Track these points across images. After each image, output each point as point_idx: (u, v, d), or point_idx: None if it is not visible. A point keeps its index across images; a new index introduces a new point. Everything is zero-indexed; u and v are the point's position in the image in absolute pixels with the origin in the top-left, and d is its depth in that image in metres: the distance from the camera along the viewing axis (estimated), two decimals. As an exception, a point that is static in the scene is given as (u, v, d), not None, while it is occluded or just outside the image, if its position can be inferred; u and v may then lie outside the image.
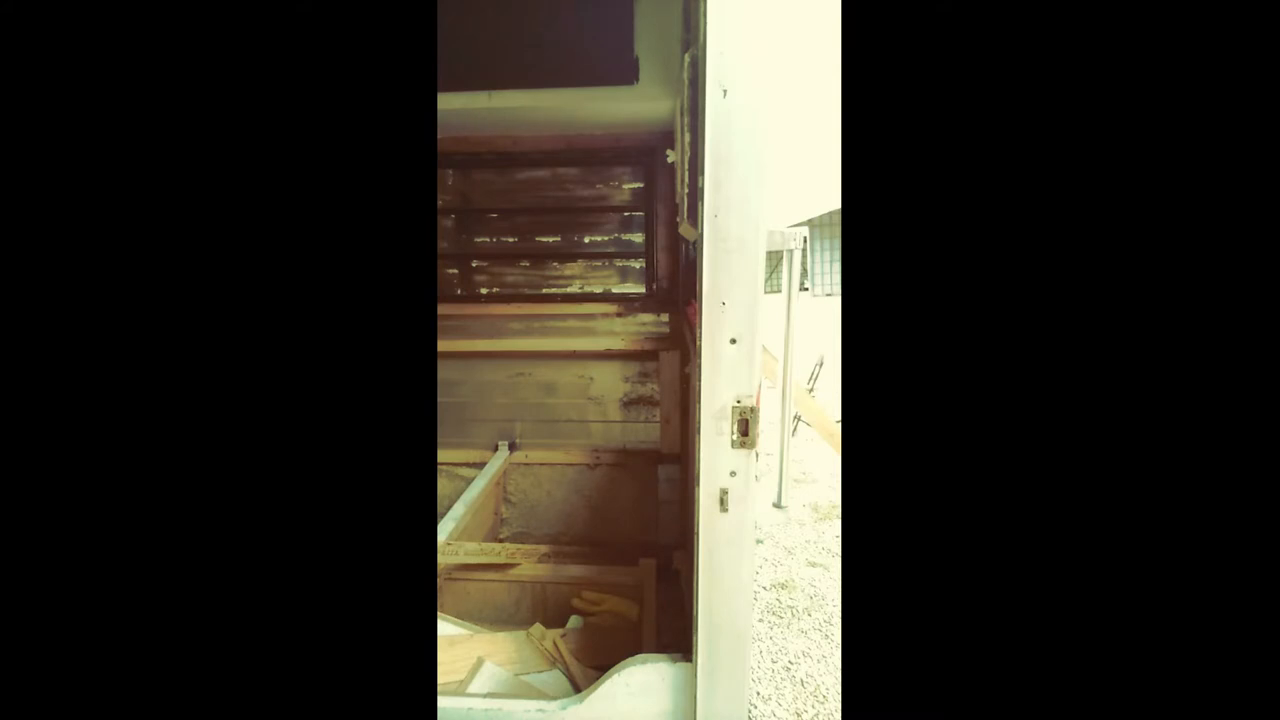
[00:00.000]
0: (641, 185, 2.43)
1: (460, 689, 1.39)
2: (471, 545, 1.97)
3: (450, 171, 2.48)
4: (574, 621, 1.76)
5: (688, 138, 1.21)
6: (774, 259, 11.40)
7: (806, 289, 19.08)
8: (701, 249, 1.00)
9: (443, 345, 2.44)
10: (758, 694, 1.94)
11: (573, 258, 2.51)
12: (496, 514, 2.55)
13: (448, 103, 1.85)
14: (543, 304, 2.52)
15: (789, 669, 2.05)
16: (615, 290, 2.52)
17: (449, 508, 2.12)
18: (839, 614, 2.35)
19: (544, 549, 1.97)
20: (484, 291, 2.56)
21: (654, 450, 2.54)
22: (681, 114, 1.39)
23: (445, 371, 2.55)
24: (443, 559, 1.85)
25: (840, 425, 3.33)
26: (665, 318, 2.48)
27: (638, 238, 2.47)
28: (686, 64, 1.19)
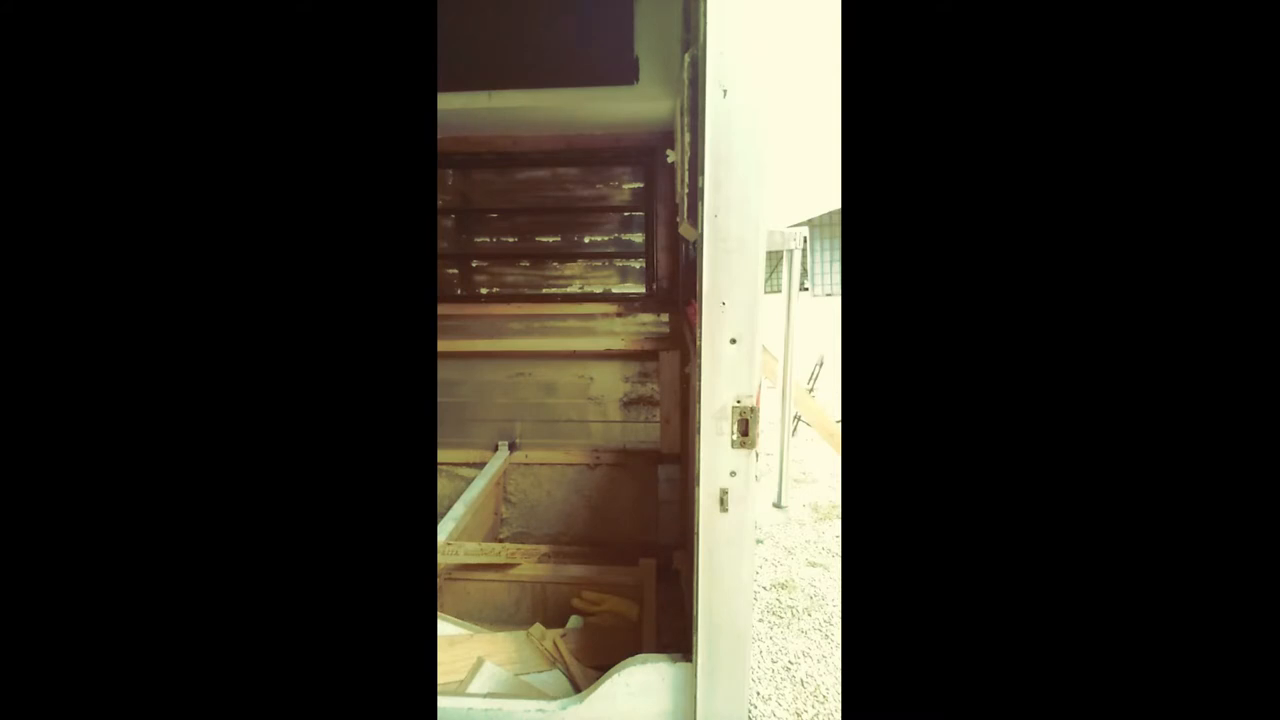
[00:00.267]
0: (641, 185, 2.43)
1: (460, 689, 1.39)
2: (471, 545, 1.97)
3: (450, 171, 2.48)
4: (574, 621, 1.76)
5: (688, 138, 1.21)
6: (774, 259, 11.40)
7: (806, 289, 19.08)
8: (701, 249, 1.00)
9: (443, 345, 2.44)
10: (758, 694, 1.94)
11: (573, 258, 2.51)
12: (496, 514, 2.55)
13: (448, 103, 1.85)
14: (543, 304, 2.52)
15: (789, 669, 2.05)
16: (615, 290, 2.52)
17: (449, 508, 2.12)
18: (839, 614, 2.35)
19: (544, 549, 1.97)
20: (484, 291, 2.56)
21: (654, 450, 2.54)
22: (681, 114, 1.39)
23: (445, 371, 2.55)
24: (443, 559, 1.85)
25: (840, 425, 3.33)
26: (665, 318, 2.48)
27: (638, 238, 2.47)
28: (686, 64, 1.19)
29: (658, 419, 2.53)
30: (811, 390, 5.39)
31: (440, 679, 1.41)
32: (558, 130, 2.33)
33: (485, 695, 1.35)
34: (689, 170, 1.23)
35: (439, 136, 2.27)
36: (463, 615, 1.74)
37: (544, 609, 1.90)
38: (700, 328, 1.03)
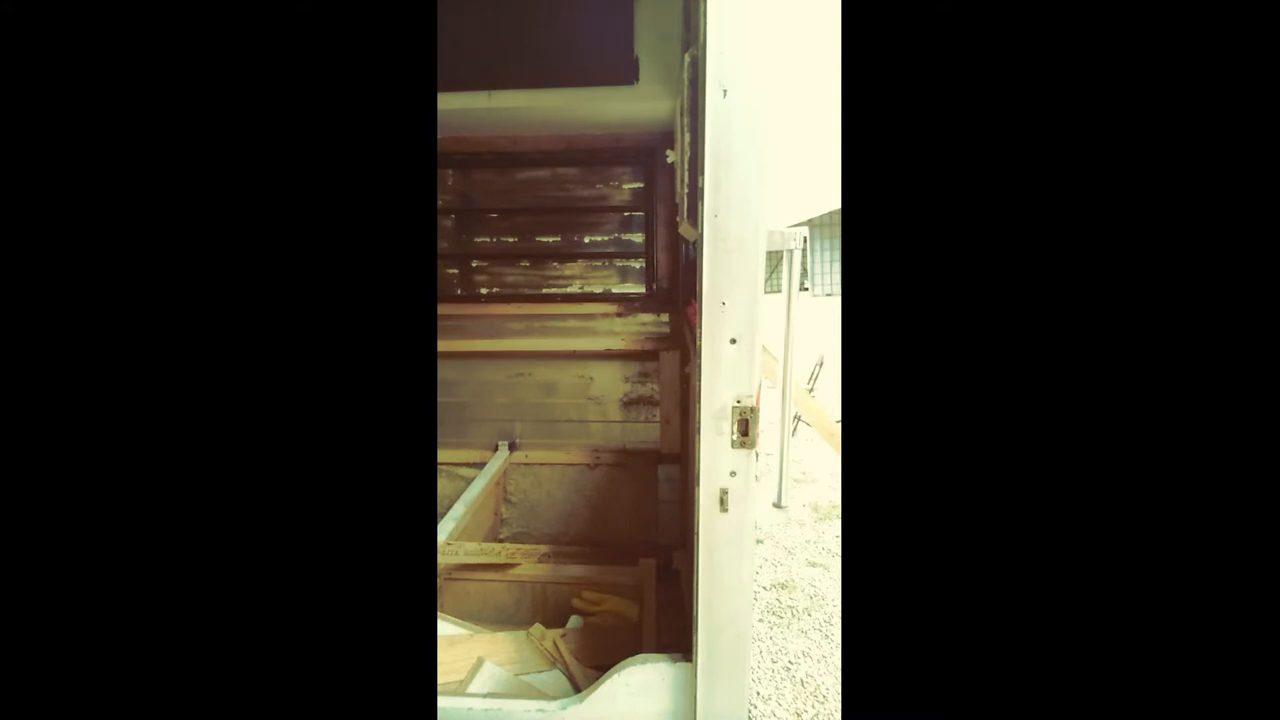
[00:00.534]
0: (641, 185, 2.43)
1: (460, 689, 1.39)
2: (471, 545, 1.97)
3: (450, 171, 2.48)
4: (574, 621, 1.76)
5: (688, 138, 1.21)
6: (774, 259, 11.40)
7: (806, 289, 19.08)
8: (701, 249, 1.00)
9: (443, 345, 2.44)
10: (758, 694, 1.94)
11: (573, 258, 2.51)
12: (496, 514, 2.55)
13: (448, 103, 1.85)
14: (543, 304, 2.52)
15: (789, 669, 2.05)
16: (615, 290, 2.52)
17: (449, 508, 2.12)
18: (839, 614, 2.35)
19: (544, 549, 1.97)
20: (484, 291, 2.56)
21: (654, 450, 2.54)
22: (681, 114, 1.39)
23: (445, 371, 2.55)
24: (443, 559, 1.85)
25: (840, 425, 3.33)
26: (665, 318, 2.48)
27: (638, 238, 2.47)
28: (686, 64, 1.19)
29: (658, 419, 2.53)
30: (811, 390, 5.39)
31: (440, 679, 1.41)
32: (558, 130, 2.33)
33: (485, 695, 1.35)
34: (689, 170, 1.23)
35: (439, 136, 2.27)
36: (463, 615, 1.74)
37: (544, 609, 1.90)
38: (700, 328, 1.03)
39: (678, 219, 1.78)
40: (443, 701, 1.28)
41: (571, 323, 2.52)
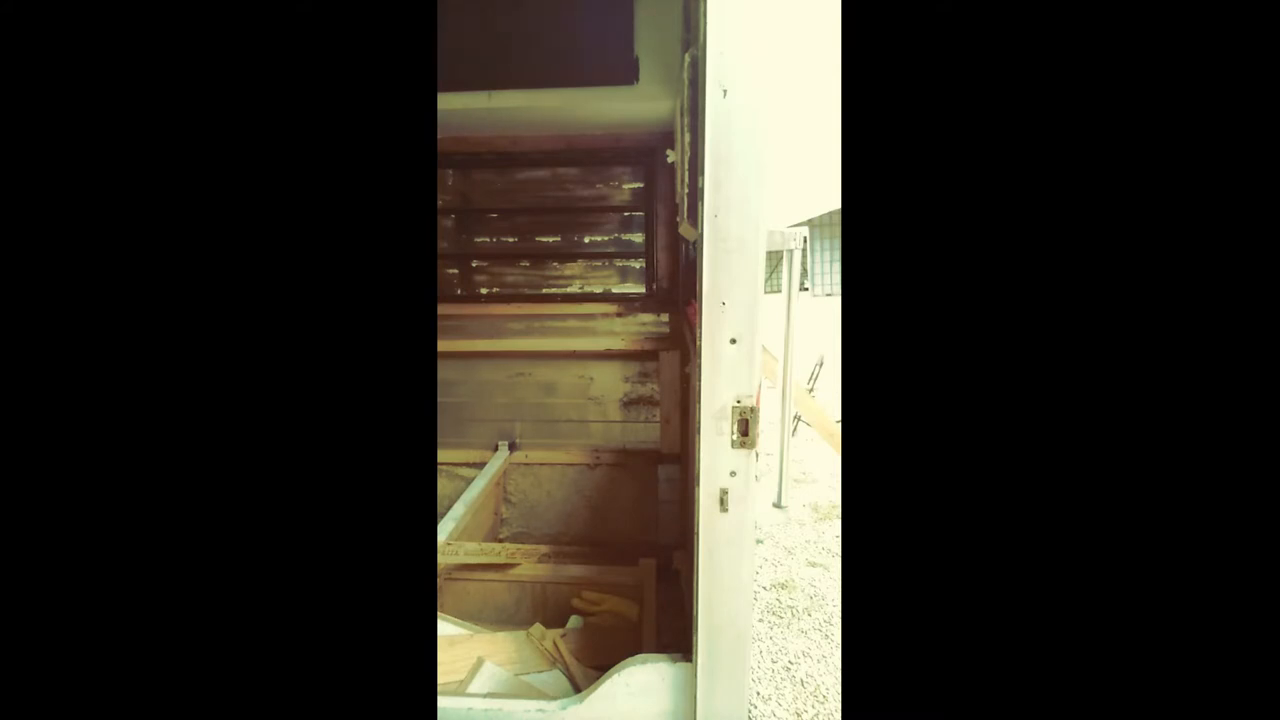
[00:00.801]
0: (641, 185, 2.43)
1: (460, 689, 1.39)
2: (471, 545, 1.97)
3: (450, 171, 2.48)
4: (574, 621, 1.76)
5: (688, 138, 1.21)
6: (774, 259, 11.40)
7: (806, 289, 19.08)
8: (701, 249, 1.00)
9: (443, 345, 2.44)
10: (758, 694, 1.94)
11: (573, 258, 2.51)
12: (496, 514, 2.55)
13: (448, 103, 1.85)
14: (543, 304, 2.52)
15: (789, 669, 2.05)
16: (615, 290, 2.52)
17: (449, 508, 2.12)
18: (839, 614, 2.35)
19: (544, 549, 1.97)
20: (484, 291, 2.56)
21: (654, 450, 2.54)
22: (681, 114, 1.39)
23: (445, 371, 2.55)
24: (443, 559, 1.85)
25: (840, 425, 3.33)
26: (665, 318, 2.48)
27: (638, 238, 2.47)
28: (686, 64, 1.19)
29: (658, 419, 2.53)
30: (811, 390, 5.39)
31: (440, 679, 1.41)
32: (558, 130, 2.33)
33: (485, 695, 1.35)
34: (689, 170, 1.23)
35: (439, 136, 2.27)
36: (463, 615, 1.74)
37: (544, 609, 1.90)
38: (700, 328, 1.03)
39: (678, 219, 1.78)
40: (443, 701, 1.28)
41: (571, 323, 2.52)
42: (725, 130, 0.95)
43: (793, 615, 2.36)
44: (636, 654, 1.28)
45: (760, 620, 2.33)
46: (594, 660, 1.48)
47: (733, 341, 1.02)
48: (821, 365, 5.78)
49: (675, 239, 2.39)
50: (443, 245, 2.52)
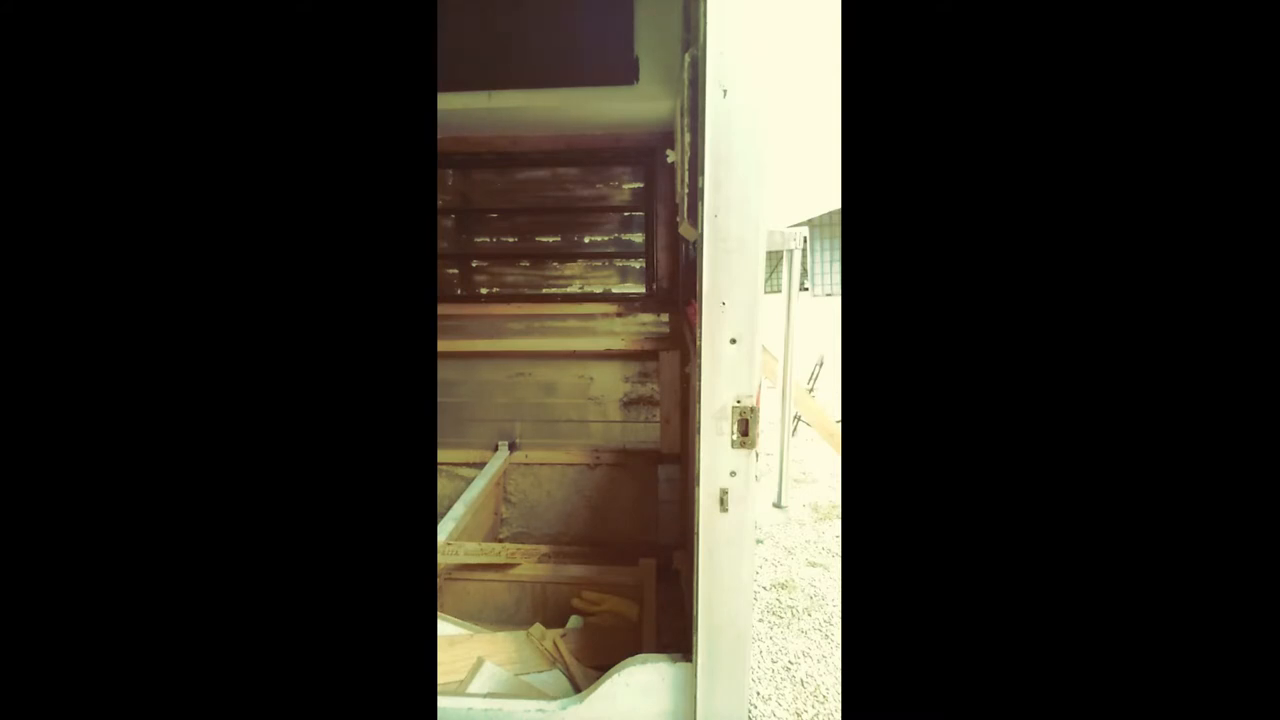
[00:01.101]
0: (641, 185, 2.43)
1: (460, 689, 1.39)
2: (471, 545, 1.97)
3: (450, 171, 2.48)
4: (574, 621, 1.76)
5: (688, 138, 1.21)
6: (774, 259, 11.40)
7: (806, 289, 19.08)
8: (701, 249, 1.00)
9: (443, 345, 2.44)
10: (758, 694, 1.94)
11: (573, 258, 2.51)
12: (496, 514, 2.55)
13: (448, 103, 1.85)
14: (543, 304, 2.52)
15: (789, 669, 2.05)
16: (615, 290, 2.52)
17: (449, 508, 2.12)
18: (839, 614, 2.35)
19: (544, 549, 1.97)
20: (484, 291, 2.56)
21: (654, 450, 2.54)
22: (681, 114, 1.39)
23: (445, 371, 2.55)
24: (443, 559, 1.85)
25: (840, 425, 3.33)
26: (665, 318, 2.48)
27: (638, 238, 2.47)
28: (686, 64, 1.19)
29: (658, 419, 2.53)
30: (811, 390, 5.39)
31: (440, 679, 1.41)
32: (558, 130, 2.33)
33: (485, 695, 1.35)
34: (689, 170, 1.23)
35: (439, 136, 2.27)
36: (463, 615, 1.74)
37: (544, 609, 1.90)
38: (700, 328, 1.03)
39: (678, 219, 1.78)
40: (443, 701, 1.28)
41: (571, 323, 2.52)
42: (725, 130, 0.95)
43: (793, 615, 2.36)
44: (636, 654, 1.28)
45: (760, 620, 2.33)
46: (594, 660, 1.48)
47: (733, 341, 1.02)
48: (821, 365, 5.78)
49: (675, 239, 2.39)
50: (443, 245, 2.52)
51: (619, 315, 2.49)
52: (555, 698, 1.30)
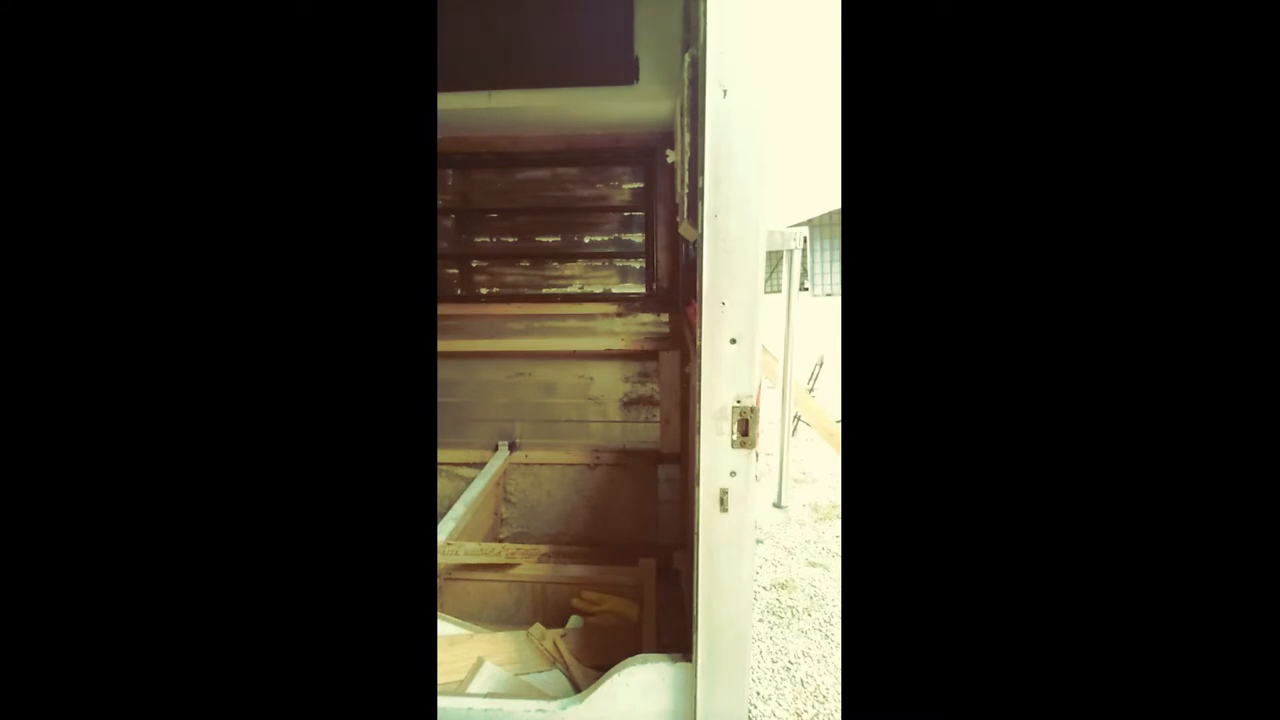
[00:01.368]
0: (641, 185, 2.43)
1: (460, 689, 1.39)
2: (471, 545, 1.97)
3: (450, 171, 2.48)
4: (574, 621, 1.76)
5: (688, 138, 1.21)
6: (774, 259, 11.40)
7: (806, 289, 19.08)
8: (701, 249, 1.00)
9: (443, 345, 2.44)
10: (758, 694, 1.94)
11: (573, 258, 2.51)
12: (496, 514, 2.55)
13: (448, 103, 1.85)
14: (543, 304, 2.52)
15: (789, 669, 2.05)
16: (615, 290, 2.52)
17: (449, 508, 2.12)
18: (839, 614, 2.35)
19: (544, 549, 1.97)
20: (484, 291, 2.56)
21: (654, 450, 2.54)
22: (681, 114, 1.39)
23: (445, 371, 2.55)
24: (443, 559, 1.85)
25: (840, 425, 3.33)
26: (665, 318, 2.48)
27: (638, 238, 2.47)
28: (686, 64, 1.19)
29: (658, 419, 2.53)
30: (811, 390, 5.39)
31: (440, 679, 1.41)
32: (558, 130, 2.33)
33: (485, 695, 1.35)
34: (689, 170, 1.23)
35: (439, 136, 2.27)
36: (463, 615, 1.74)
37: (544, 609, 1.90)
38: (700, 328, 1.03)
39: (678, 219, 1.78)
40: (443, 701, 1.28)
41: (571, 323, 2.52)
42: (725, 130, 0.95)
43: (793, 615, 2.36)
44: (636, 654, 1.28)
45: (760, 620, 2.33)
46: (594, 660, 1.48)
47: (733, 341, 1.02)
48: (821, 365, 5.78)
49: (675, 239, 2.39)
50: (443, 245, 2.52)
51: (619, 315, 2.49)
52: (555, 698, 1.30)
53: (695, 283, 1.08)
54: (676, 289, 2.42)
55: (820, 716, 1.84)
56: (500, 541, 2.46)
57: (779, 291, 4.69)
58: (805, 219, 18.79)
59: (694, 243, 1.28)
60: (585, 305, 2.51)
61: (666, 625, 1.64)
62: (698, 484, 1.08)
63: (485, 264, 2.55)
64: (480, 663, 1.45)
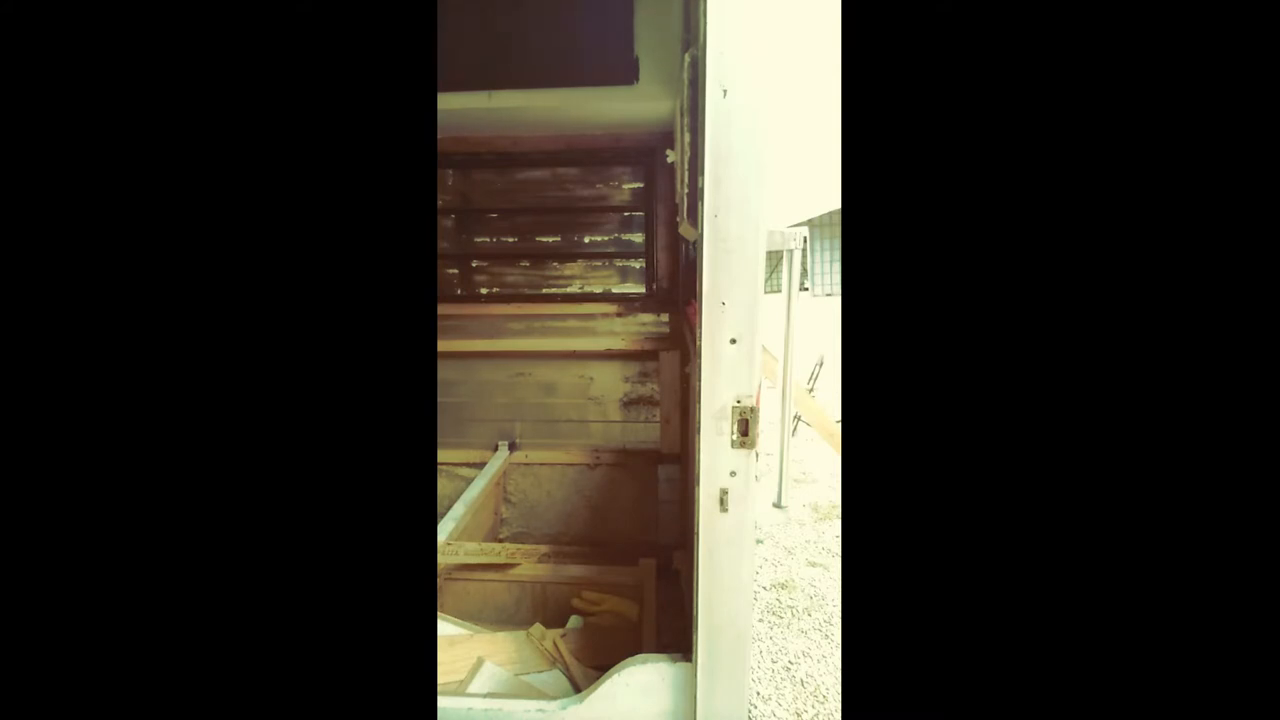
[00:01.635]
0: (641, 185, 2.43)
1: (460, 689, 1.39)
2: (471, 545, 1.97)
3: (450, 171, 2.48)
4: (574, 621, 1.76)
5: (688, 138, 1.21)
6: (774, 259, 11.40)
7: (806, 289, 19.08)
8: (701, 249, 1.00)
9: (443, 345, 2.44)
10: (758, 694, 1.94)
11: (573, 258, 2.51)
12: (496, 514, 2.55)
13: (448, 103, 1.85)
14: (543, 304, 2.52)
15: (789, 669, 2.05)
16: (615, 290, 2.52)
17: (449, 508, 2.12)
18: (839, 614, 2.35)
19: (544, 549, 1.97)
20: (484, 291, 2.56)
21: (654, 450, 2.54)
22: (681, 114, 1.39)
23: (445, 371, 2.55)
24: (443, 559, 1.85)
25: (840, 425, 3.33)
26: (665, 318, 2.48)
27: (638, 238, 2.47)
28: (686, 64, 1.19)
29: (658, 419, 2.53)
30: (811, 390, 5.39)
31: (440, 679, 1.41)
32: (558, 130, 2.33)
33: (485, 695, 1.35)
34: (689, 170, 1.23)
35: (439, 136, 2.27)
36: (463, 615, 1.74)
37: (544, 609, 1.90)
38: (700, 328, 1.03)
39: (678, 219, 1.78)
40: (443, 701, 1.28)
41: (571, 323, 2.52)
42: (725, 130, 0.95)
43: (793, 615, 2.36)
44: (636, 654, 1.28)
45: (760, 620, 2.33)
46: (594, 660, 1.48)
47: (733, 341, 1.02)
48: (821, 365, 5.78)
49: (675, 239, 2.39)
50: (443, 245, 2.52)
51: (619, 315, 2.49)
52: (555, 698, 1.30)
53: (695, 283, 1.08)
54: (676, 289, 2.42)
55: (820, 716, 1.84)
56: (500, 541, 2.46)
57: (779, 291, 4.69)
58: (805, 219, 18.78)
59: (694, 243, 1.28)
60: (585, 305, 2.51)
61: (666, 625, 1.64)
62: (698, 484, 1.08)
63: (485, 264, 2.55)
64: (480, 663, 1.45)
